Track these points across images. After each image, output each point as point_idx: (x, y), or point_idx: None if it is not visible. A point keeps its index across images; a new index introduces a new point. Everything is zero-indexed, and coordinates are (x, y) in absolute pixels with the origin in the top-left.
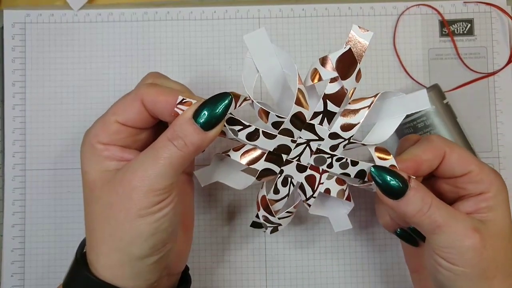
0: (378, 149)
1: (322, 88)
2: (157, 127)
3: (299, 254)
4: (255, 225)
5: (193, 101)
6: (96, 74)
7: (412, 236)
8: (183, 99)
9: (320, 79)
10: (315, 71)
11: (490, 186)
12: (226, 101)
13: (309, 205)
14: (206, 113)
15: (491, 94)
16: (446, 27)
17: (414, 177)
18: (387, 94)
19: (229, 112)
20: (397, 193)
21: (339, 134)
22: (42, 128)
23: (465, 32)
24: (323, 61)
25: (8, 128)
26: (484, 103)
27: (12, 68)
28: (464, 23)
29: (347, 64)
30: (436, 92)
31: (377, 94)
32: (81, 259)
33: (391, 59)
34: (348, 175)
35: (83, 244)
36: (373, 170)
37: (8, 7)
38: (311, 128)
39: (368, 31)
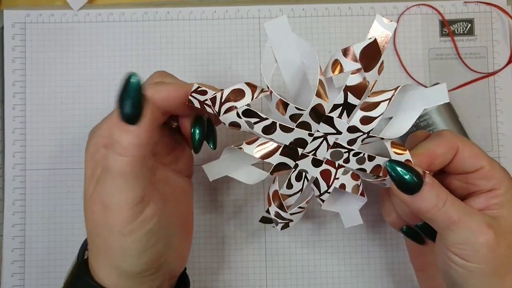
0: (394, 143)
1: (338, 82)
2: (163, 127)
3: (300, 254)
4: (265, 220)
5: (209, 90)
6: (96, 74)
7: (418, 234)
8: (198, 86)
9: (341, 70)
10: (336, 62)
11: (501, 183)
12: (134, 82)
13: (323, 201)
14: (123, 105)
15: (491, 94)
16: (447, 27)
17: (429, 172)
18: (406, 87)
19: (246, 104)
20: (412, 188)
21: (358, 128)
22: (42, 128)
23: (465, 32)
24: (345, 52)
25: (8, 128)
26: (484, 103)
27: (12, 68)
28: (464, 23)
29: (371, 55)
30: None
31: (397, 87)
32: (82, 264)
33: (391, 59)
34: (364, 170)
35: (84, 246)
36: (388, 164)
37: (8, 7)
38: (329, 122)
39: (391, 21)
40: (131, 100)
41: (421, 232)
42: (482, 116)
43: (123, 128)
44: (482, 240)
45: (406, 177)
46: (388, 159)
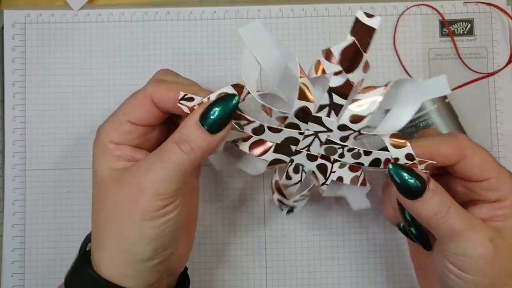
0: (394, 136)
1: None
2: (168, 124)
3: (299, 254)
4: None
5: (196, 97)
6: (96, 74)
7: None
8: (185, 94)
9: (324, 72)
10: (319, 63)
11: (508, 194)
12: (233, 102)
13: (323, 190)
14: (212, 115)
15: (491, 94)
16: (446, 27)
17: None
18: (402, 81)
19: None
20: (414, 193)
21: (348, 126)
22: (42, 128)
23: (465, 32)
24: (326, 54)
25: (8, 128)
26: (484, 103)
27: (12, 68)
28: (464, 23)
29: (352, 56)
30: None
31: (388, 83)
32: (84, 256)
33: (391, 59)
34: (361, 164)
35: (86, 241)
36: (391, 167)
37: (8, 7)
38: (318, 121)
39: (374, 16)
40: (224, 117)
41: (416, 242)
42: (482, 116)
43: (201, 132)
44: (481, 254)
45: (409, 180)
46: (387, 156)
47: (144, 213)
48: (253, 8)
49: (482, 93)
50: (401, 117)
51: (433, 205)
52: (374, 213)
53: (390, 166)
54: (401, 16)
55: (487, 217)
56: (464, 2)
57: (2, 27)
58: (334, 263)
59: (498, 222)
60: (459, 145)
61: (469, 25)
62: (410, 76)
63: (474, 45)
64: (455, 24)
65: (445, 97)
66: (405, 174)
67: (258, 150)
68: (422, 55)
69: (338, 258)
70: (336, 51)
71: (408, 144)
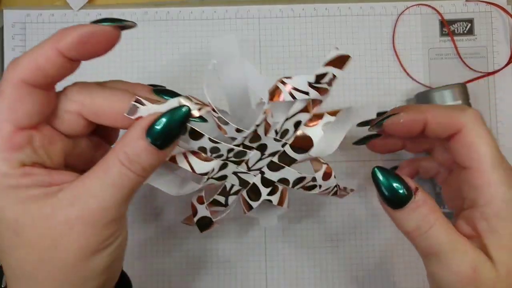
0: (314, 160)
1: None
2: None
3: (299, 254)
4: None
5: (145, 105)
6: (95, 74)
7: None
8: (137, 100)
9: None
10: (276, 89)
11: (494, 199)
12: (183, 114)
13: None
14: (161, 129)
15: (491, 94)
16: (446, 27)
17: (421, 191)
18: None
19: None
20: (397, 202)
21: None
22: None
23: (465, 31)
24: (282, 82)
25: None
26: (484, 103)
27: None
28: (464, 22)
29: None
30: (462, 90)
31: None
32: None
33: (391, 59)
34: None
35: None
36: (375, 170)
37: (8, 7)
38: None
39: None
40: (173, 131)
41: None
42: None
43: (151, 150)
44: (460, 284)
45: (393, 186)
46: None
47: (94, 246)
48: (253, 8)
49: (482, 93)
50: (331, 144)
51: (414, 219)
52: (377, 213)
53: (375, 168)
54: (401, 16)
55: (469, 233)
56: (466, 1)
57: (2, 27)
58: (335, 263)
59: (486, 241)
60: (457, 117)
61: (469, 24)
62: (410, 76)
63: (474, 45)
64: (455, 24)
65: (468, 98)
66: (388, 179)
67: (200, 166)
68: (422, 55)
69: (338, 258)
70: (297, 82)
71: (324, 165)
